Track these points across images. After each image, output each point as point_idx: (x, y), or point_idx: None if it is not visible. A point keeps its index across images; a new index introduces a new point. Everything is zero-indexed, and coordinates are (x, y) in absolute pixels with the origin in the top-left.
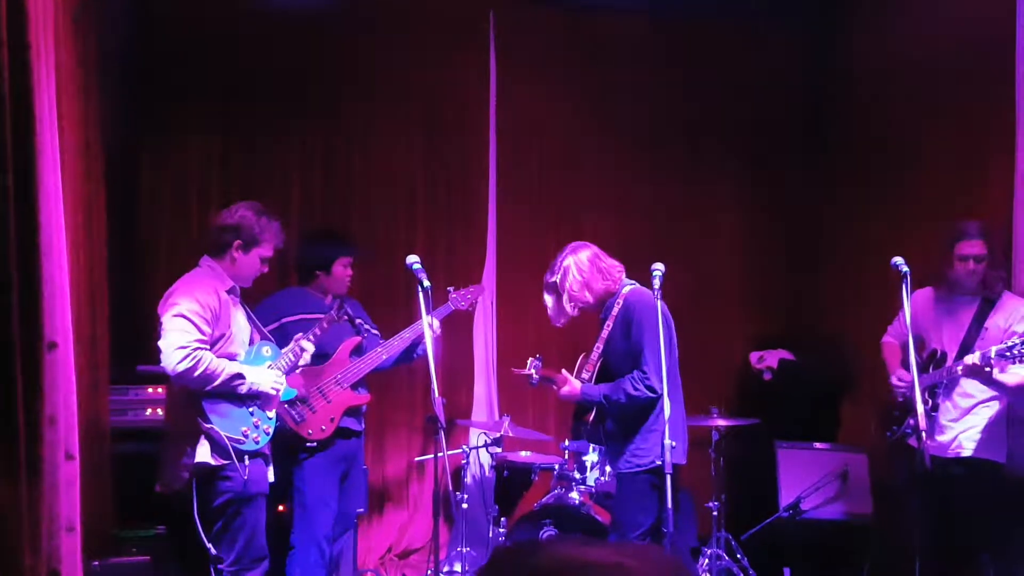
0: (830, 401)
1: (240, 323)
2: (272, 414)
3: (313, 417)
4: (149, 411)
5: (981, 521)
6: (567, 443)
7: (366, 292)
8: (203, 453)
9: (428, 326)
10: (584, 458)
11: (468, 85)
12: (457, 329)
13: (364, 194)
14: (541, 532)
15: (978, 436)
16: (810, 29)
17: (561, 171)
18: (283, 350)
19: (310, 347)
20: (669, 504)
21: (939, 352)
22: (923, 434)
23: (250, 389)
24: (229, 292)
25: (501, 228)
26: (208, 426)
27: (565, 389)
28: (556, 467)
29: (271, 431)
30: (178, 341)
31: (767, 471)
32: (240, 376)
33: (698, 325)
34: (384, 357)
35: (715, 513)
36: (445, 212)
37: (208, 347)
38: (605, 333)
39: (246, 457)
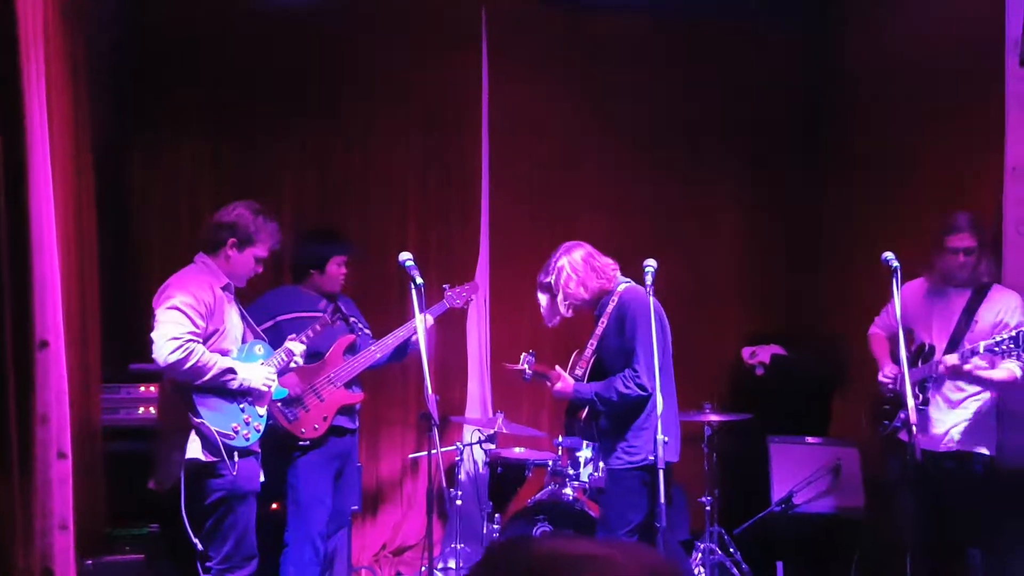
0: (822, 396)
1: (233, 320)
2: (263, 411)
3: (306, 416)
4: (141, 410)
5: (972, 515)
6: (561, 439)
7: (359, 290)
8: (194, 449)
9: (422, 323)
10: (578, 454)
11: (465, 84)
12: (451, 326)
13: (358, 193)
14: (535, 528)
15: (969, 430)
16: (808, 29)
17: (557, 170)
18: (276, 350)
19: (299, 348)
20: (662, 499)
21: (927, 345)
22: (913, 428)
23: (241, 384)
24: (224, 289)
25: (495, 226)
26: (198, 420)
27: (558, 386)
28: (550, 463)
29: (262, 428)
30: (171, 332)
31: (759, 466)
32: (231, 371)
33: (693, 321)
34: (378, 356)
35: (708, 508)
36: (439, 210)
37: (200, 340)
38: (599, 330)
39: (236, 454)
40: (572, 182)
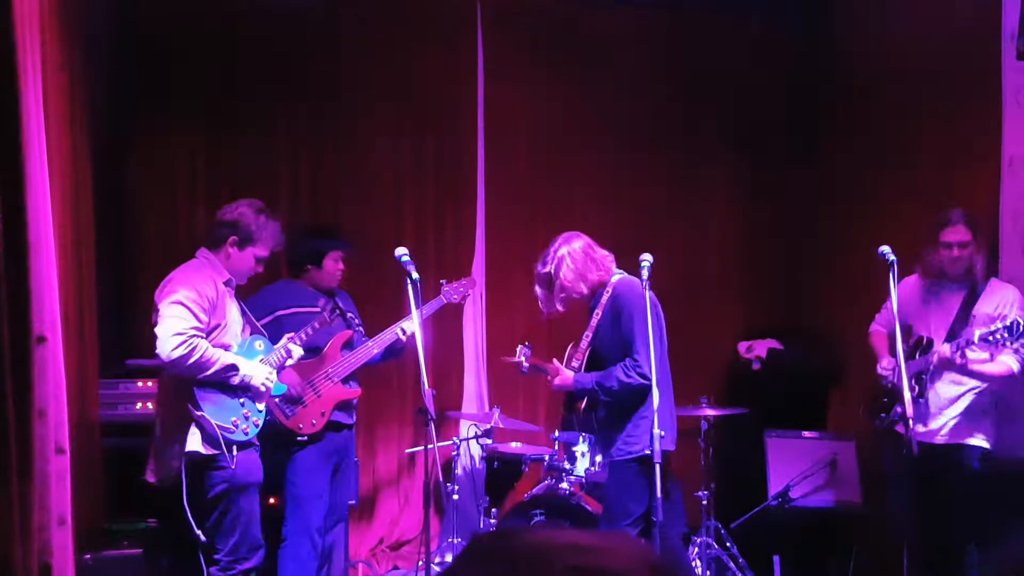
0: (819, 390)
1: (234, 315)
2: (262, 407)
3: (304, 411)
4: (139, 405)
5: (968, 507)
6: (557, 434)
7: (355, 286)
8: (194, 442)
9: (418, 318)
10: (574, 449)
11: (460, 80)
12: (447, 321)
13: (353, 188)
14: (531, 522)
15: (966, 423)
16: (805, 23)
17: (553, 165)
18: (275, 346)
19: (298, 352)
20: (659, 493)
21: (925, 339)
22: (910, 421)
23: (242, 381)
24: (225, 284)
25: (490, 221)
26: (199, 414)
27: (558, 380)
28: (546, 458)
29: (260, 423)
30: (174, 328)
31: (756, 460)
32: (233, 367)
33: (689, 316)
34: (375, 351)
35: (704, 502)
36: (435, 205)
37: (204, 335)
38: (594, 321)
39: (235, 447)
40: (568, 177)
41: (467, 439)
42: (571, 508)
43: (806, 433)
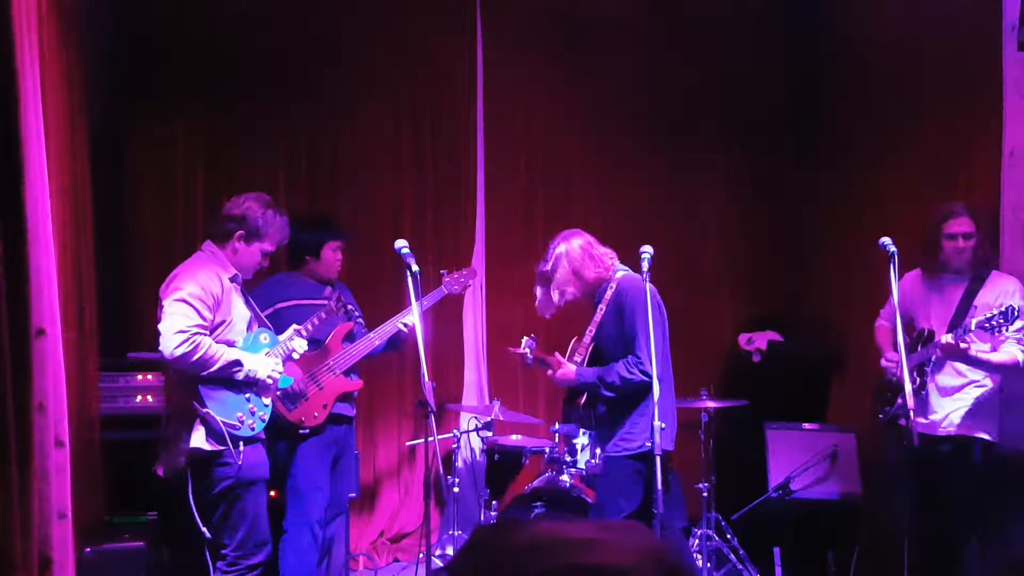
0: (819, 382)
1: (240, 310)
2: (268, 401)
3: (306, 404)
4: (139, 398)
5: (970, 500)
6: (557, 426)
7: (354, 278)
8: (198, 438)
9: (418, 310)
10: (574, 441)
11: (460, 68)
12: (447, 313)
13: (351, 179)
14: (532, 515)
15: (969, 415)
16: (803, 12)
17: (553, 156)
18: (280, 338)
19: (302, 347)
20: (660, 486)
21: (927, 331)
22: (911, 413)
23: (247, 376)
24: (232, 279)
25: (490, 212)
26: (204, 410)
27: (560, 373)
28: (547, 450)
29: (267, 418)
30: (178, 325)
31: (756, 452)
32: (238, 363)
33: (689, 308)
34: (376, 343)
35: (705, 494)
36: (434, 196)
37: (208, 332)
38: (598, 317)
39: (241, 443)
40: (568, 168)
41: (467, 431)
42: (572, 500)
43: (806, 425)
